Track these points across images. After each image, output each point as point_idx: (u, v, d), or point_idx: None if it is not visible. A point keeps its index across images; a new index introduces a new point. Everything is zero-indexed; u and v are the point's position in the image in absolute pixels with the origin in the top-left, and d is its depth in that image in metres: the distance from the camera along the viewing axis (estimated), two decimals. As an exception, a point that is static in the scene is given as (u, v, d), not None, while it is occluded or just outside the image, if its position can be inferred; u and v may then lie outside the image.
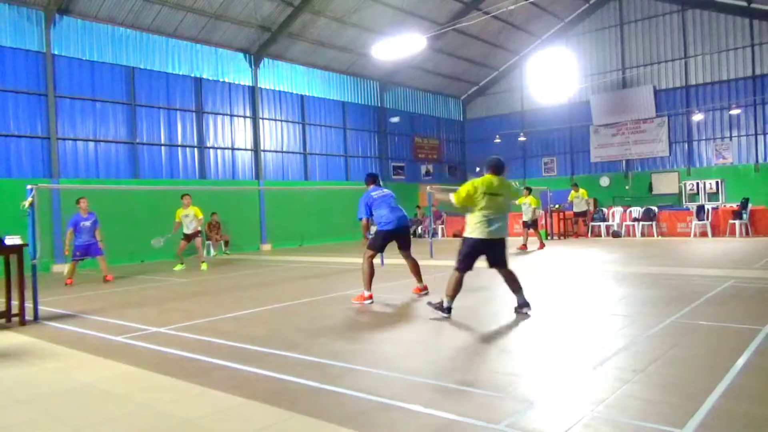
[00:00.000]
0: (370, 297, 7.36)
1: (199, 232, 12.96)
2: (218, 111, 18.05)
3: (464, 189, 6.07)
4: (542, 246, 14.87)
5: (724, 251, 12.71)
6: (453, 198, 6.17)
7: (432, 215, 16.18)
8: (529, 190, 15.64)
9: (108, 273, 11.20)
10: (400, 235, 7.62)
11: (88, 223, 10.99)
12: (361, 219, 7.61)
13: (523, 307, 6.19)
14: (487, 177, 6.12)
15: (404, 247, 7.75)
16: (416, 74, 24.66)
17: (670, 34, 22.70)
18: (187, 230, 12.75)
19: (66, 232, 10.97)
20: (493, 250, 6.18)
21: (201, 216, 12.92)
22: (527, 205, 15.21)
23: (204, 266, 12.73)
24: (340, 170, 22.17)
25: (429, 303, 6.37)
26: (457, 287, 6.12)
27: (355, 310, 7.01)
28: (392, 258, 12.30)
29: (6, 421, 3.58)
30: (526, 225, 15.31)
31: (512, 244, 16.52)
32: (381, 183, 8.10)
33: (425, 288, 7.78)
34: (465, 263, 6.14)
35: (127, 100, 15.77)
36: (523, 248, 14.62)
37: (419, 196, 23.81)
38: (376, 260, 12.46)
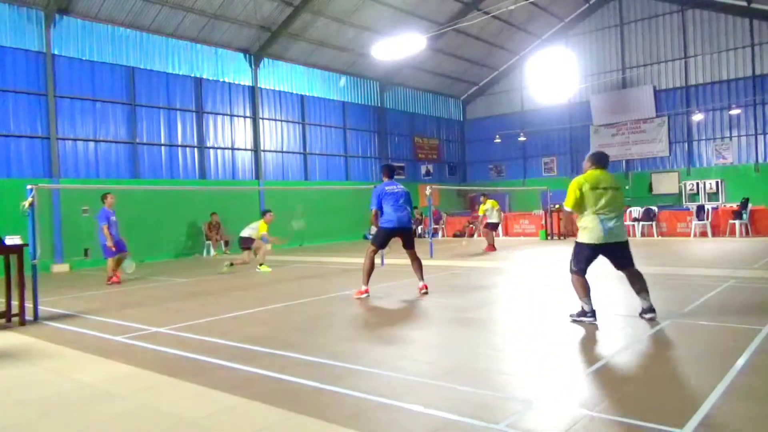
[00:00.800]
0: (366, 291, 7.64)
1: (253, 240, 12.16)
2: (218, 111, 18.05)
3: (571, 191, 5.52)
4: (491, 249, 14.93)
5: (724, 251, 12.70)
6: (564, 206, 5.70)
7: (432, 215, 16.18)
8: (486, 197, 15.87)
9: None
10: (401, 235, 7.76)
11: (114, 218, 10.82)
12: (371, 209, 7.82)
13: (647, 312, 5.59)
14: (592, 172, 5.57)
15: (407, 246, 7.89)
16: (416, 74, 24.66)
17: (670, 34, 22.70)
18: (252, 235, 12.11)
19: (102, 227, 10.58)
20: (614, 253, 5.62)
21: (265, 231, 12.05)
22: (490, 209, 15.34)
23: (264, 268, 11.93)
24: (340, 170, 22.17)
25: (571, 316, 5.76)
26: (583, 288, 5.62)
27: (355, 311, 7.01)
28: (392, 258, 12.31)
29: (6, 421, 3.58)
30: (490, 227, 15.36)
31: (512, 244, 16.49)
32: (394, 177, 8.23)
33: (425, 287, 7.82)
34: (579, 266, 5.63)
35: (127, 100, 15.77)
36: (491, 249, 14.83)
37: (419, 196, 23.80)
38: (377, 260, 12.51)
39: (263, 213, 12.35)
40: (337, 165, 22.11)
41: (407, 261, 8.02)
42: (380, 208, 7.67)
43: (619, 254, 5.63)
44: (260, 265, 12.07)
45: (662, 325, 5.43)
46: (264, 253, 12.25)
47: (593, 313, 5.59)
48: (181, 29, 16.70)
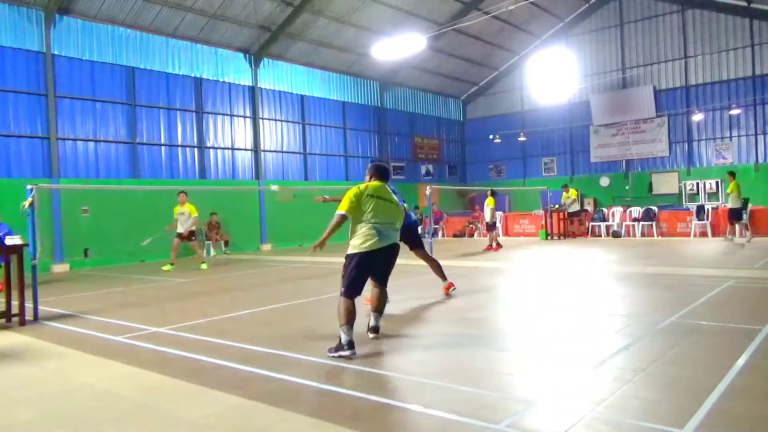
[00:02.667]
0: (452, 285, 7.73)
1: (194, 232, 12.58)
2: (218, 111, 18.05)
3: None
4: (493, 248, 15.08)
5: (724, 251, 12.71)
6: None
7: (433, 215, 16.18)
8: (494, 193, 15.87)
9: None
10: (405, 235, 7.41)
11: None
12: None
13: (373, 331, 5.39)
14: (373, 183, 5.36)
15: (414, 247, 7.62)
16: (416, 74, 24.66)
17: (670, 34, 22.69)
18: (180, 229, 12.45)
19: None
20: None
21: (196, 214, 12.59)
22: (489, 208, 15.38)
23: (204, 266, 12.65)
24: (340, 170, 22.17)
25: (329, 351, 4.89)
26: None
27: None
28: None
29: (6, 421, 3.58)
30: (489, 227, 15.45)
31: (512, 244, 16.49)
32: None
33: (451, 285, 7.78)
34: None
35: (127, 100, 15.76)
36: (490, 248, 14.95)
37: (419, 196, 23.79)
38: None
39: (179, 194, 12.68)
40: (337, 165, 22.11)
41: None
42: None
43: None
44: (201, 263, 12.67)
45: (662, 325, 5.43)
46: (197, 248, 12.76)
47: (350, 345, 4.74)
48: (181, 29, 16.70)
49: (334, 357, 4.69)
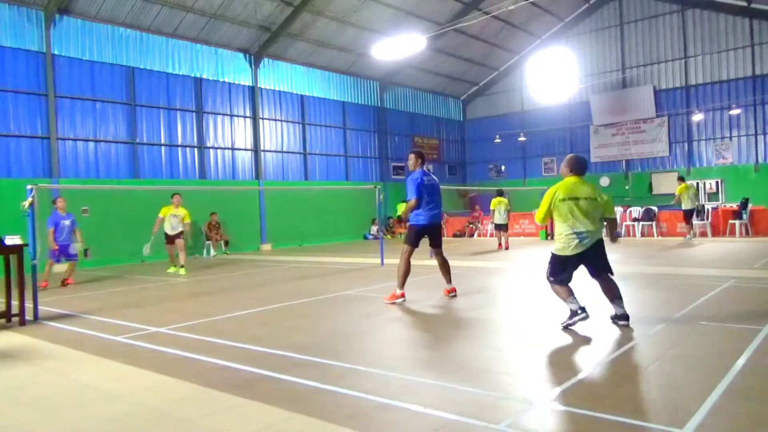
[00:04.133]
0: (402, 296, 7.21)
1: (182, 233, 12.12)
2: (218, 111, 18.05)
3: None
4: (507, 247, 15.31)
5: (724, 251, 12.70)
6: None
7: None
8: (502, 193, 15.88)
9: (70, 277, 10.91)
10: (431, 232, 7.36)
11: (67, 222, 10.61)
12: (410, 200, 7.14)
13: (621, 318, 5.48)
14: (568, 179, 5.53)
15: (434, 244, 7.47)
16: (416, 74, 24.66)
17: (670, 34, 22.70)
18: (171, 231, 12.00)
19: (47, 231, 10.32)
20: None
21: (189, 220, 12.15)
22: (502, 208, 15.40)
23: (182, 271, 11.88)
24: (340, 170, 22.17)
25: (562, 324, 5.49)
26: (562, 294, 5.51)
27: (355, 311, 7.00)
28: (393, 258, 12.30)
29: (6, 421, 3.58)
30: (499, 227, 15.55)
31: (512, 244, 16.48)
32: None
33: (454, 290, 7.44)
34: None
35: (127, 100, 15.76)
36: (501, 247, 15.22)
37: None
38: (376, 260, 12.52)
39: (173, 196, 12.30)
40: (337, 165, 22.10)
41: (412, 261, 7.89)
42: (420, 198, 7.05)
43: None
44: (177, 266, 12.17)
45: (662, 325, 5.43)
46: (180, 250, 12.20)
47: (583, 309, 5.36)
48: (181, 29, 16.70)
49: (569, 325, 5.33)
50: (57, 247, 10.43)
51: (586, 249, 5.33)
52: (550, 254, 5.55)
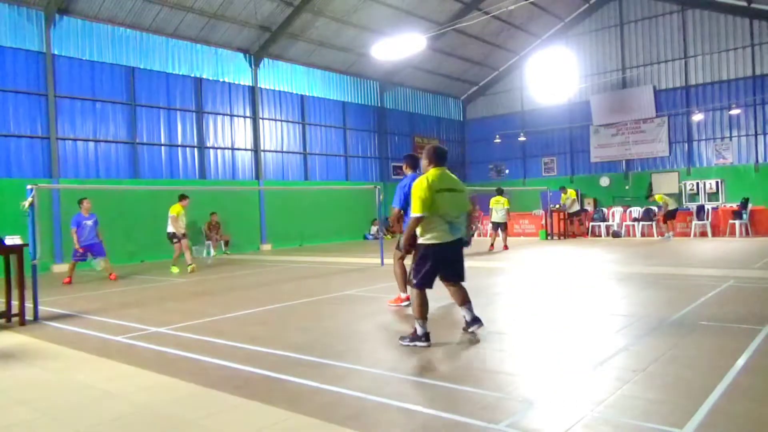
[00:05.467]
0: (408, 299, 6.89)
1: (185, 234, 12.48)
2: (218, 111, 18.04)
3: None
4: (506, 247, 15.13)
5: (724, 251, 12.71)
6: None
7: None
8: (501, 192, 15.75)
9: (112, 272, 11.34)
10: None
11: (89, 222, 11.08)
12: (394, 207, 6.64)
13: (472, 323, 5.30)
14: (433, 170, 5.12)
15: None
16: (416, 74, 24.65)
17: (670, 34, 22.69)
18: (183, 230, 12.32)
19: (71, 230, 11.02)
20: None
21: (172, 214, 12.46)
22: (500, 206, 15.29)
23: (175, 269, 12.24)
24: (340, 170, 22.16)
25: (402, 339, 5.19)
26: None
27: (355, 311, 7.00)
28: (391, 259, 12.30)
29: (6, 421, 3.58)
30: (496, 226, 15.36)
31: (512, 244, 16.47)
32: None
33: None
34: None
35: (127, 100, 15.76)
36: (492, 248, 15.01)
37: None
38: (376, 260, 12.52)
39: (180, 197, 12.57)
40: (337, 165, 22.10)
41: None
42: (404, 207, 6.45)
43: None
44: (173, 266, 12.43)
45: (662, 325, 5.43)
46: (178, 251, 12.43)
47: (427, 336, 4.99)
48: (181, 29, 16.69)
49: (407, 345, 4.99)
50: (80, 249, 10.94)
51: (455, 240, 5.05)
52: (420, 252, 5.07)
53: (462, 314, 5.38)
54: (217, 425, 3.36)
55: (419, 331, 5.01)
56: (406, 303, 6.96)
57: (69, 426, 3.46)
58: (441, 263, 5.07)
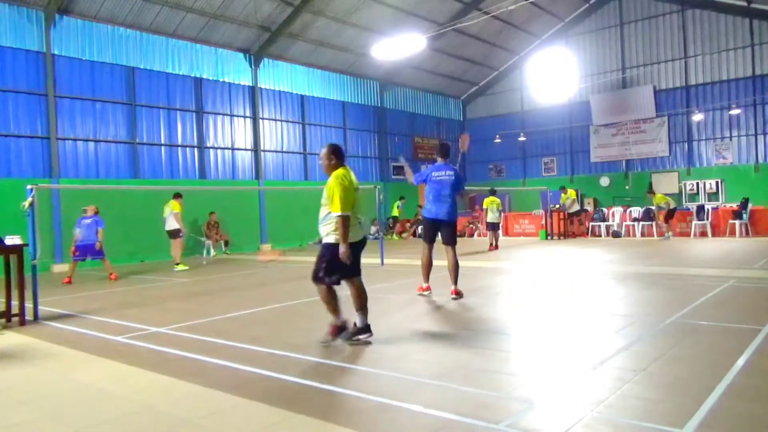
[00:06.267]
0: (428, 289, 7.62)
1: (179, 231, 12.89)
2: (218, 111, 18.04)
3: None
4: (497, 246, 15.32)
5: (724, 251, 12.71)
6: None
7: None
8: (494, 192, 15.81)
9: (112, 272, 11.38)
10: (440, 227, 7.42)
11: (87, 221, 11.21)
12: (415, 183, 7.61)
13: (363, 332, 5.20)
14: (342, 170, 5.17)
15: (445, 241, 7.48)
16: (416, 74, 24.65)
17: (670, 34, 22.69)
18: (184, 227, 12.79)
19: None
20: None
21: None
22: (494, 207, 15.35)
23: (182, 266, 12.66)
24: (340, 170, 22.13)
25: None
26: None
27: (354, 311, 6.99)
28: (393, 258, 12.31)
29: (6, 421, 3.58)
30: (491, 227, 15.43)
31: (512, 244, 16.47)
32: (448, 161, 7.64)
33: (456, 292, 7.31)
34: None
35: (127, 100, 15.76)
36: (492, 248, 15.09)
37: (419, 196, 23.80)
38: (376, 260, 12.52)
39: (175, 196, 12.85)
40: (337, 165, 22.06)
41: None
42: (423, 182, 7.43)
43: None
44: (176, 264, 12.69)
45: (662, 325, 5.43)
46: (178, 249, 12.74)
47: (367, 328, 5.12)
48: (181, 29, 16.69)
49: (353, 343, 5.05)
50: (73, 248, 11.13)
51: (363, 238, 5.23)
52: (327, 248, 5.04)
53: (354, 321, 5.19)
54: (217, 425, 3.36)
55: (360, 323, 5.14)
56: (428, 293, 7.59)
57: (69, 426, 3.46)
58: (353, 260, 5.10)
